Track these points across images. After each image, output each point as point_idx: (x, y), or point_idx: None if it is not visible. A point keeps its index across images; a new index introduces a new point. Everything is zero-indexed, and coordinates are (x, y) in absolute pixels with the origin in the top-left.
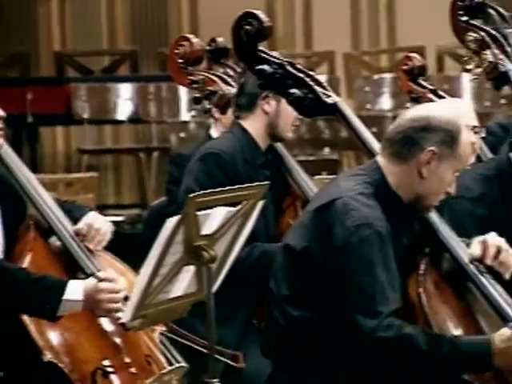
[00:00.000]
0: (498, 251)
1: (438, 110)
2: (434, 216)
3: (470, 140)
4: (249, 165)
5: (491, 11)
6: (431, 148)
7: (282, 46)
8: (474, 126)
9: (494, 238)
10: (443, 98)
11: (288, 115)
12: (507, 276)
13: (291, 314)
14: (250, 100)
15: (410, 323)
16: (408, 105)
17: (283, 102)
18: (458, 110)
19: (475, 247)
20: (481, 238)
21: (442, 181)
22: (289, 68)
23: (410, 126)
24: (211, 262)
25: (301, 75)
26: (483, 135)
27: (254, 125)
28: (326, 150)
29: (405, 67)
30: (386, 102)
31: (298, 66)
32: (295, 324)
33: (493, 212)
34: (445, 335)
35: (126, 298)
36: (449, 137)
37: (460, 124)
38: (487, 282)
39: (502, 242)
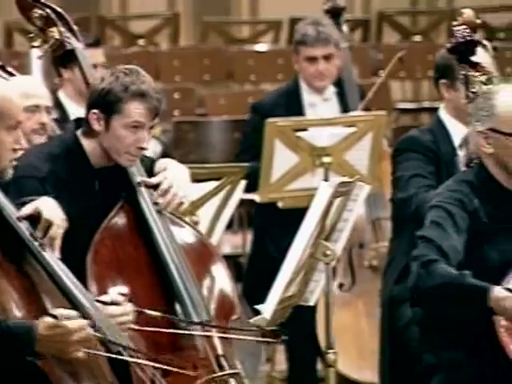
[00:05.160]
0: (49, 225)
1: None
2: None
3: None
4: None
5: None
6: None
7: None
8: (47, 107)
9: (46, 211)
10: (12, 74)
11: None
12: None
13: None
14: None
15: None
16: None
17: None
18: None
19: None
20: (33, 204)
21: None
22: None
23: None
24: None
25: None
26: (55, 116)
27: None
28: None
29: None
30: None
31: None
32: None
33: (61, 190)
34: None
35: None
36: None
37: None
38: (52, 259)
39: (55, 215)
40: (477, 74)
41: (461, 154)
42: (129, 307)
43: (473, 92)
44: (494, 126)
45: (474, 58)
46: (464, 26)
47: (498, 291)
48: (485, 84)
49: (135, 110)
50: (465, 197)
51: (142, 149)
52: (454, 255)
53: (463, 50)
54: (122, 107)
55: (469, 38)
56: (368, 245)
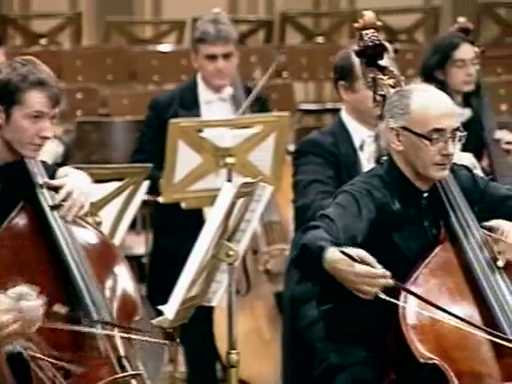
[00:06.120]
0: None
1: None
2: None
3: None
4: None
5: None
6: None
7: None
8: None
9: None
10: None
11: None
12: None
13: None
14: None
15: None
16: None
17: None
18: None
19: None
20: None
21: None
22: None
23: None
24: None
25: None
26: None
27: None
28: None
29: None
30: None
31: None
32: None
33: None
34: None
35: None
36: None
37: None
38: None
39: None
40: (385, 77)
41: (361, 155)
42: (39, 302)
43: (381, 95)
44: (407, 124)
45: (381, 62)
46: (373, 30)
47: (332, 252)
48: (393, 87)
49: (35, 99)
50: (375, 189)
51: (46, 138)
52: (345, 234)
53: (371, 54)
54: (22, 97)
55: (377, 42)
56: (261, 249)
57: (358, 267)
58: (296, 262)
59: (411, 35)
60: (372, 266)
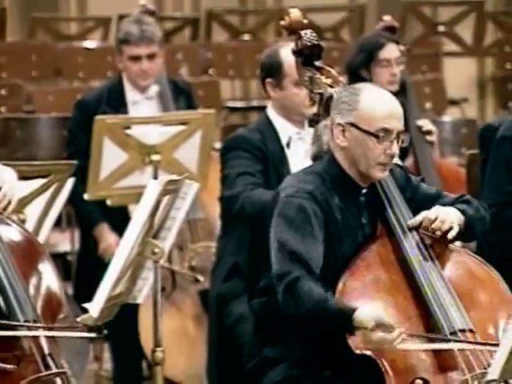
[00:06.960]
0: None
1: None
2: None
3: None
4: None
5: None
6: None
7: None
8: None
9: None
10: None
11: None
12: None
13: None
14: None
15: None
16: None
17: None
18: None
19: None
20: None
21: None
22: None
23: None
24: None
25: None
26: None
27: None
28: None
29: None
30: None
31: None
32: None
33: None
34: None
35: None
36: None
37: None
38: None
39: None
40: (322, 77)
41: (288, 152)
42: None
43: (318, 93)
44: (354, 121)
45: (318, 62)
46: (311, 30)
47: (359, 317)
48: (331, 87)
49: None
50: (315, 188)
51: None
52: (316, 263)
53: (309, 54)
54: None
55: (316, 43)
56: (186, 246)
57: (375, 336)
58: (304, 315)
59: (337, 33)
60: (388, 328)
